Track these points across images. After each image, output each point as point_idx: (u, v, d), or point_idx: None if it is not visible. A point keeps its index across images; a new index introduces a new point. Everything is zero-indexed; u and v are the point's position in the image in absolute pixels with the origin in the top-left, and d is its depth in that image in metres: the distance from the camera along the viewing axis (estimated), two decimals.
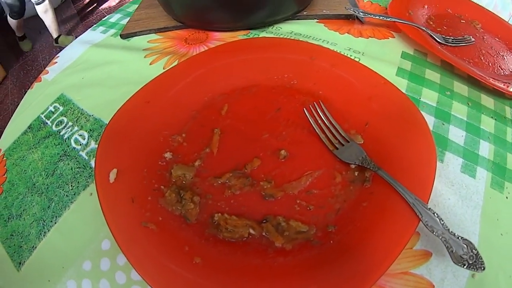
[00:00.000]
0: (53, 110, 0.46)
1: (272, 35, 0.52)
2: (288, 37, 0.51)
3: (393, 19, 0.50)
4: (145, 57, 0.51)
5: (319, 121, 0.37)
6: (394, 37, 0.51)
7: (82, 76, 0.50)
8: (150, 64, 0.49)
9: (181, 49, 0.52)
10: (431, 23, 0.55)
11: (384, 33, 0.51)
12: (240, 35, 0.53)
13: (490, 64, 0.49)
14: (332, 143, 0.35)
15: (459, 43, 0.51)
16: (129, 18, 0.63)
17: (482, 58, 0.50)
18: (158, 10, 0.60)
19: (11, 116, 0.50)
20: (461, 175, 0.35)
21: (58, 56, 0.60)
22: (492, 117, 0.41)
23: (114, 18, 0.67)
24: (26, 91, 0.54)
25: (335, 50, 0.46)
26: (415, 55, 0.47)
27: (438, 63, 0.47)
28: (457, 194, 0.33)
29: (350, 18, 0.53)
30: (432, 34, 0.50)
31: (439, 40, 0.49)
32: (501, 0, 0.77)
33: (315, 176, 0.33)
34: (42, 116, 0.46)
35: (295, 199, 0.32)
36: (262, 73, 0.43)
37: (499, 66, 0.49)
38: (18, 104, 0.52)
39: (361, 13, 0.50)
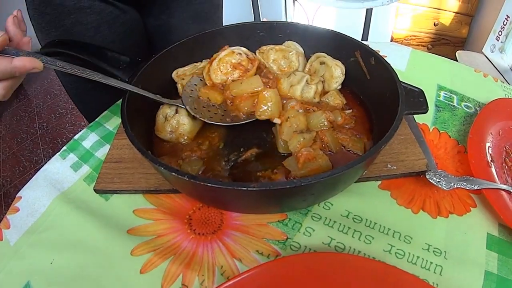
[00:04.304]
0: None
1: (319, 222, 0.39)
2: (342, 227, 0.38)
3: (479, 187, 0.38)
4: (131, 253, 0.36)
5: None
6: (475, 206, 0.40)
7: (50, 259, 0.37)
8: (141, 272, 0.35)
9: (184, 243, 0.37)
10: (508, 161, 0.44)
11: (464, 201, 0.40)
12: (271, 222, 0.39)
13: None
14: None
15: None
16: (107, 146, 0.45)
17: None
18: None
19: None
20: None
21: (21, 198, 0.44)
22: None
23: (88, 140, 0.49)
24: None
25: (410, 251, 0.36)
26: (500, 238, 0.38)
27: None
28: None
29: (421, 175, 0.39)
30: None
31: None
32: None
33: None
34: None
35: None
36: None
37: None
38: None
39: (444, 185, 0.37)
